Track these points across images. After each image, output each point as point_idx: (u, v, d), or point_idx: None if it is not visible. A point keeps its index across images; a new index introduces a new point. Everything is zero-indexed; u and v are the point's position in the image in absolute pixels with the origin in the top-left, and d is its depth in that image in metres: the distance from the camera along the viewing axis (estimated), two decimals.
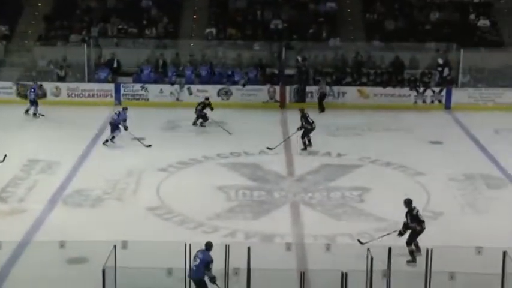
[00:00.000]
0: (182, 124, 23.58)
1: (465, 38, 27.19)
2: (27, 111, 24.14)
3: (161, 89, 26.18)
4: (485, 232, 14.76)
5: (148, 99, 26.12)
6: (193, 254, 11.50)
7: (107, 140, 20.87)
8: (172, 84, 26.27)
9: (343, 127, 23.37)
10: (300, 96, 26.12)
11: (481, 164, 19.57)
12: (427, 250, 11.25)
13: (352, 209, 16.66)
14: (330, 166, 19.53)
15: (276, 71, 26.97)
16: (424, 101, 25.98)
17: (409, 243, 13.42)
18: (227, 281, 11.71)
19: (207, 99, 23.23)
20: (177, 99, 26.10)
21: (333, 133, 22.82)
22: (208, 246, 11.74)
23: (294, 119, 21.79)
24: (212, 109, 22.96)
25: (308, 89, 26.10)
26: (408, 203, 13.78)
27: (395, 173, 19.04)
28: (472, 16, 28.72)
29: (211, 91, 25.70)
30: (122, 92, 26.15)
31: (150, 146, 20.78)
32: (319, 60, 27.47)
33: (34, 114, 24.05)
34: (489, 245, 11.91)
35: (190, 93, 26.08)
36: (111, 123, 21.01)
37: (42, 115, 23.99)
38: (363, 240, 13.94)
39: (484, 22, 28.45)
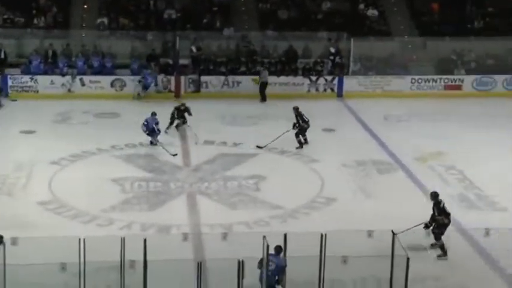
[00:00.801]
0: (74, 116, 23.04)
1: (355, 27, 27.90)
2: None
3: (52, 81, 25.45)
4: (376, 216, 15.24)
5: (37, 91, 25.34)
6: (89, 248, 11.21)
7: (152, 142, 19.92)
8: (64, 75, 25.57)
9: (238, 116, 23.51)
10: (196, 86, 26.06)
11: (372, 150, 20.17)
12: (321, 235, 11.47)
13: (248, 198, 16.80)
14: (226, 155, 19.60)
15: (170, 61, 26.76)
16: (317, 89, 26.47)
17: (438, 237, 13.46)
18: (123, 274, 11.54)
19: (182, 105, 21.72)
20: (69, 90, 25.44)
21: (228, 122, 22.92)
22: (280, 249, 11.59)
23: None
24: (190, 114, 21.54)
25: (203, 79, 26.06)
26: (435, 196, 13.76)
27: (290, 160, 19.34)
28: (362, 6, 29.46)
29: (104, 82, 25.23)
30: (9, 84, 25.24)
31: (175, 154, 19.31)
32: (214, 49, 27.50)
33: None
34: (380, 228, 12.27)
35: (83, 84, 25.51)
36: (145, 132, 19.94)
37: None
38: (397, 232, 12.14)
39: (372, 12, 29.25)
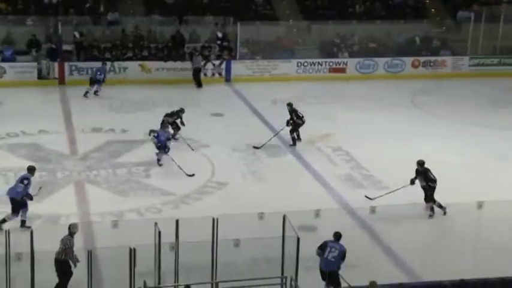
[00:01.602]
0: None
1: (241, 11, 27.98)
2: None
3: None
4: (266, 198, 15.45)
5: None
6: None
7: (158, 160, 17.78)
8: None
9: (126, 102, 23.13)
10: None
11: (261, 134, 20.35)
12: (213, 219, 11.50)
13: (138, 185, 16.61)
14: (114, 142, 19.26)
15: (54, 47, 25.90)
16: (205, 74, 26.38)
17: (430, 200, 14.91)
18: (8, 268, 11.13)
19: (181, 111, 19.53)
20: None
21: (116, 109, 22.52)
22: (339, 236, 11.74)
23: (74, 96, 21.11)
24: (183, 124, 19.52)
25: (85, 65, 25.33)
26: (422, 164, 15.08)
27: (181, 146, 19.20)
28: None
29: None
30: None
31: (192, 175, 17.10)
32: (98, 35, 26.88)
33: None
34: (270, 211, 12.45)
35: None
36: (156, 145, 17.78)
37: None
38: (371, 196, 15.14)
39: None
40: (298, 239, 11.22)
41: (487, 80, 26.70)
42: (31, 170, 14.64)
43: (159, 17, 27.83)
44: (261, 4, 29.28)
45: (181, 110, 19.51)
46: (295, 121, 19.36)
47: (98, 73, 23.80)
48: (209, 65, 26.47)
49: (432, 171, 15.05)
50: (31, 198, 14.10)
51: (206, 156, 18.44)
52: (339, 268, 11.69)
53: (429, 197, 15.02)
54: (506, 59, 27.95)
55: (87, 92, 23.41)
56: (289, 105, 19.66)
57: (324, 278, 11.81)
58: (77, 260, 11.61)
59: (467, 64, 27.94)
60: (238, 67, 26.75)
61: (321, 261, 11.79)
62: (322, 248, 11.76)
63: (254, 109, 23.03)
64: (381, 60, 27.43)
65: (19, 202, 14.00)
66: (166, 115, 19.02)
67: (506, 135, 20.44)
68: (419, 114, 22.77)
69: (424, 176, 15.07)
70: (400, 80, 26.71)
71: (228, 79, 26.54)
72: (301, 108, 22.63)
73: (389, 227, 14.39)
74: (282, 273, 11.70)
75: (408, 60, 27.60)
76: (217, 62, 26.59)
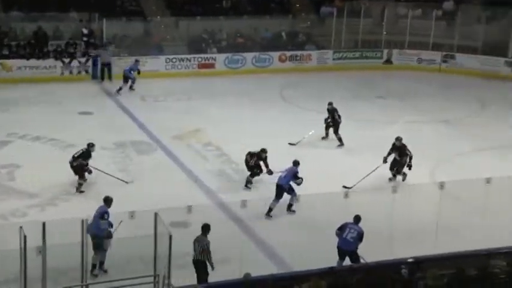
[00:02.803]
0: None
1: (106, 7, 27.41)
2: None
3: None
4: (137, 197, 15.23)
5: None
6: None
7: None
8: None
9: None
10: None
11: (130, 131, 20.07)
12: (82, 221, 11.22)
13: (2, 188, 15.92)
14: None
15: None
16: (71, 72, 25.65)
17: (400, 171, 16.75)
18: None
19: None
20: None
21: None
22: (359, 218, 12.52)
23: None
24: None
25: None
26: (400, 139, 16.83)
27: (46, 147, 18.62)
28: None
29: None
30: None
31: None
32: None
33: None
34: (141, 209, 12.28)
35: None
36: None
37: None
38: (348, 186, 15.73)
39: None
40: (170, 236, 11.11)
41: (350, 73, 27.65)
42: (110, 201, 12.87)
43: (18, 13, 26.74)
44: (127, 0, 28.82)
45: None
46: (336, 120, 19.29)
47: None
48: (75, 63, 25.75)
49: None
50: (111, 236, 12.43)
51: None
52: (356, 248, 12.42)
53: (397, 170, 16.78)
54: (368, 52, 29.05)
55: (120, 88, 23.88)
56: (330, 104, 19.50)
57: (340, 257, 12.57)
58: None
59: (331, 58, 28.80)
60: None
61: (340, 240, 12.54)
62: (341, 229, 12.57)
63: (123, 106, 22.65)
64: (249, 55, 27.76)
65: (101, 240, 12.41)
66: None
67: (365, 126, 21.16)
68: (287, 108, 23.24)
69: (399, 151, 16.67)
70: (268, 74, 27.16)
71: (95, 76, 25.93)
72: (170, 105, 22.54)
73: (261, 220, 14.61)
74: (155, 272, 11.59)
75: (275, 54, 28.10)
76: (83, 60, 25.91)
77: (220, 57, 27.57)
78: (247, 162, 16.59)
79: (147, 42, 27.68)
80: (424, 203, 14.52)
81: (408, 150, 16.78)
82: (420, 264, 10.84)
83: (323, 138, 19.64)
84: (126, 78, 24.04)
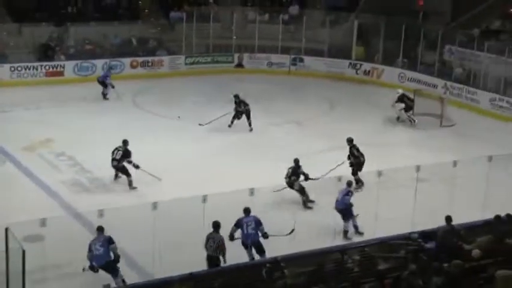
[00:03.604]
0: None
1: None
2: None
3: None
4: None
5: None
6: None
7: None
8: None
9: None
10: None
11: None
12: None
13: None
14: None
15: None
16: None
17: (356, 173, 16.77)
18: None
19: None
20: None
21: None
22: (249, 209, 12.86)
23: None
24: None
25: None
26: (351, 140, 17.14)
27: None
28: None
29: None
30: None
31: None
32: None
33: None
34: None
35: None
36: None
37: None
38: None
39: None
40: (23, 252, 10.64)
41: (202, 77, 27.79)
42: (102, 230, 12.52)
43: None
44: None
45: None
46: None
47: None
48: None
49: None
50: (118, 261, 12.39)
51: None
52: (265, 237, 12.90)
53: (353, 171, 16.83)
54: (219, 56, 29.33)
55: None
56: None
57: (247, 249, 12.95)
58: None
59: (184, 63, 28.82)
60: None
61: (243, 237, 12.87)
62: (237, 226, 12.87)
63: None
64: (99, 62, 27.18)
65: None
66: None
67: (221, 129, 21.39)
68: (140, 114, 22.99)
69: (349, 152, 17.03)
70: (121, 80, 26.70)
71: None
72: (17, 115, 21.70)
73: (118, 229, 14.32)
74: None
75: (126, 61, 27.72)
76: None
77: (69, 65, 26.80)
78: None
79: None
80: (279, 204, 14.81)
81: (356, 151, 17.04)
82: (279, 264, 11.04)
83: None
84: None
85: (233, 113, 21.29)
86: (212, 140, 20.15)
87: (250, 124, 21.34)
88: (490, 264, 10.52)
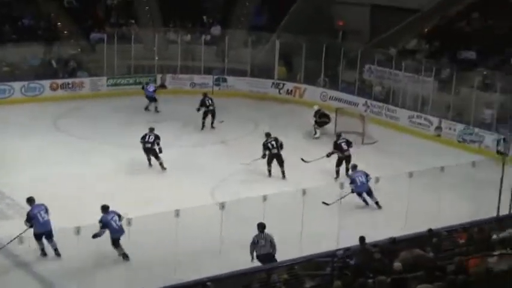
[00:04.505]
0: None
1: None
2: None
3: None
4: None
5: None
6: None
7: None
8: None
9: None
10: None
11: None
12: None
13: None
14: None
15: None
16: None
17: (337, 165, 19.40)
18: None
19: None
20: None
21: None
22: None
23: None
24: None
25: None
26: (339, 135, 20.08)
27: None
28: None
29: None
30: None
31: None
32: None
33: None
34: None
35: None
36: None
37: None
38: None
39: None
40: None
41: (124, 98, 27.45)
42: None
43: None
44: None
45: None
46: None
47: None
48: None
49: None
50: None
51: None
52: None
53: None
54: (141, 77, 29.02)
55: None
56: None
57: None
58: None
59: (105, 84, 28.45)
60: None
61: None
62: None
63: None
64: (17, 84, 26.53)
65: None
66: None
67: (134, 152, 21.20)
68: (61, 137, 22.53)
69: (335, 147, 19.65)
70: (40, 103, 26.14)
71: None
72: None
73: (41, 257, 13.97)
74: None
75: (46, 83, 27.14)
76: None
77: None
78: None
79: None
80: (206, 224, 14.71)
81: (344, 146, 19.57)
82: (206, 286, 10.91)
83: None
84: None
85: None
86: (127, 160, 20.01)
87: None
88: (413, 278, 10.68)
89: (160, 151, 19.39)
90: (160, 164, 19.45)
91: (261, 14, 32.14)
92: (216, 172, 19.50)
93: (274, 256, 13.42)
